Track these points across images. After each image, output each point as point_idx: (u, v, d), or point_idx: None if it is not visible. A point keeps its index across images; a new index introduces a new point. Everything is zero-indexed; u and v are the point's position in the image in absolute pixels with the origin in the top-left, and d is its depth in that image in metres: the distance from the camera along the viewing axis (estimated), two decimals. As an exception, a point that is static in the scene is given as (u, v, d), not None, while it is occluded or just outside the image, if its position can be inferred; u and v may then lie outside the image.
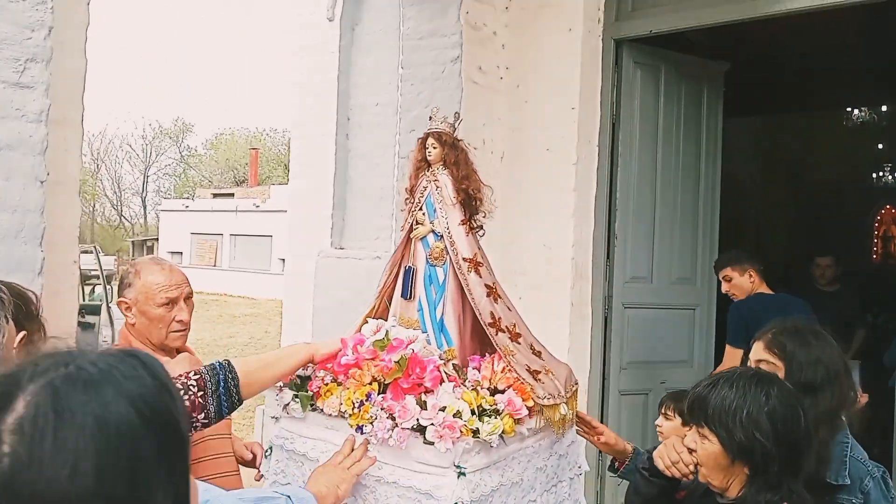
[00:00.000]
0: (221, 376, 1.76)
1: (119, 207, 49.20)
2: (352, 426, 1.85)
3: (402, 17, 4.43)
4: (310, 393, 1.97)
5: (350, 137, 5.31)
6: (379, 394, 1.87)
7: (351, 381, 1.91)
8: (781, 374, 2.03)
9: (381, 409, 1.82)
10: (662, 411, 3.72)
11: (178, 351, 2.29)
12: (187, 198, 38.54)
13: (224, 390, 1.75)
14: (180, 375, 1.75)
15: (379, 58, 5.14)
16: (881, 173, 10.08)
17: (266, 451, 2.12)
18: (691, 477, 1.92)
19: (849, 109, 8.88)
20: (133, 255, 33.65)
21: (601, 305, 4.36)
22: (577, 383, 2.24)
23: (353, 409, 1.86)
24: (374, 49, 5.25)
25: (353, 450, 1.83)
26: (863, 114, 8.90)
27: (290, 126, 6.69)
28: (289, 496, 1.61)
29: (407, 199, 2.17)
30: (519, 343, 2.07)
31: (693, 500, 1.93)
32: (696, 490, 1.91)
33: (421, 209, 2.11)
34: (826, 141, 9.08)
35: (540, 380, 2.02)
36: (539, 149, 4.31)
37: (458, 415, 1.78)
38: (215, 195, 35.96)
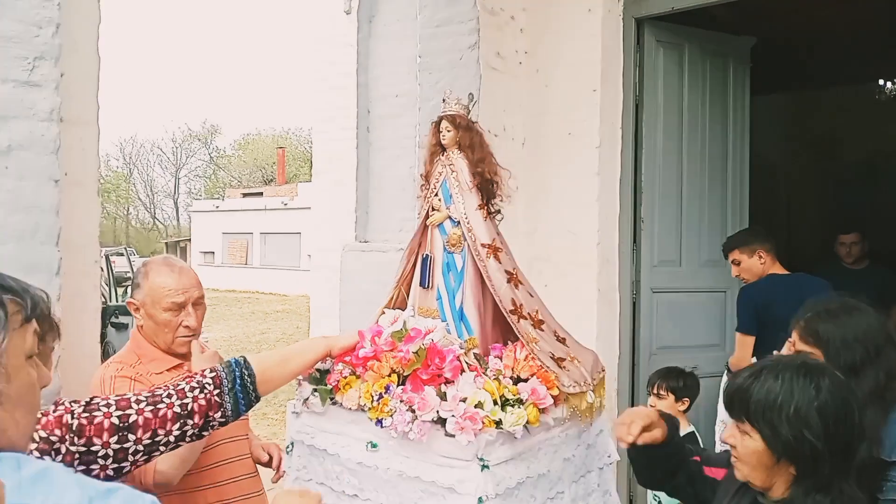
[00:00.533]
0: (237, 373, 1.72)
1: (152, 210, 50.08)
2: (371, 419, 1.81)
3: (419, 5, 4.36)
4: (329, 387, 1.93)
5: (371, 130, 5.28)
6: (398, 386, 1.82)
7: (370, 373, 1.87)
8: None
9: (401, 401, 1.77)
10: (654, 391, 3.60)
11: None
12: (217, 198, 38.95)
13: (241, 387, 1.71)
14: (196, 373, 1.72)
15: (397, 48, 5.10)
16: (917, 148, 9.75)
17: (287, 447, 2.08)
18: (628, 441, 1.80)
19: (881, 83, 8.61)
20: (166, 257, 34.00)
21: (629, 291, 4.26)
22: (603, 370, 2.17)
23: (372, 402, 1.81)
24: (391, 40, 5.20)
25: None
26: (896, 86, 8.62)
27: (313, 123, 6.67)
28: None
29: (422, 185, 2.12)
30: (542, 330, 2.01)
31: (729, 491, 1.82)
32: (736, 481, 1.79)
33: (437, 195, 2.06)
34: (858, 116, 8.81)
35: (565, 367, 1.95)
36: (561, 133, 4.22)
37: (479, 405, 1.73)
38: (245, 195, 36.30)
